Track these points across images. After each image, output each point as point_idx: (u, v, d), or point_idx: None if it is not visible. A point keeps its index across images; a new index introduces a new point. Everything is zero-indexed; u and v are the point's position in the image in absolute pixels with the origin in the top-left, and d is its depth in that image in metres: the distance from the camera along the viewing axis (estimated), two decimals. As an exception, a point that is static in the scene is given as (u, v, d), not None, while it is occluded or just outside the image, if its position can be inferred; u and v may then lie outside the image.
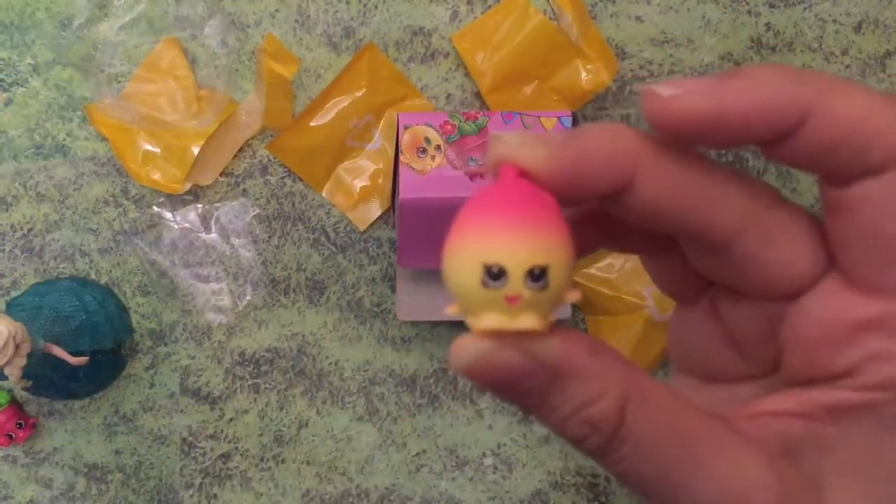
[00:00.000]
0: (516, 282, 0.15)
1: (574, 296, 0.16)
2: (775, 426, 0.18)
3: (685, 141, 0.18)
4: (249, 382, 0.55)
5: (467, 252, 0.15)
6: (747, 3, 0.54)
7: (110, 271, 0.56)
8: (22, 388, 0.48)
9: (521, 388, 0.17)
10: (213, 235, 0.56)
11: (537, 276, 0.15)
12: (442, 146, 0.44)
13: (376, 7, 0.55)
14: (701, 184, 0.18)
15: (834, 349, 0.17)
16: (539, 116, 0.44)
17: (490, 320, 0.15)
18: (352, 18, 0.55)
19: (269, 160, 0.55)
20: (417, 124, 0.45)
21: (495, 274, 0.15)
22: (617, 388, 0.17)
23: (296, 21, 0.55)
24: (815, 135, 0.16)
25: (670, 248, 0.20)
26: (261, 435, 0.55)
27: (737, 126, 0.17)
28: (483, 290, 0.15)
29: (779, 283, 0.18)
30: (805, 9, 0.54)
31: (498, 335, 0.16)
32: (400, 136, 0.45)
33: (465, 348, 0.16)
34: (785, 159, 0.17)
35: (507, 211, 0.15)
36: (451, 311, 0.16)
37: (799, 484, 0.17)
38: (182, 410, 0.55)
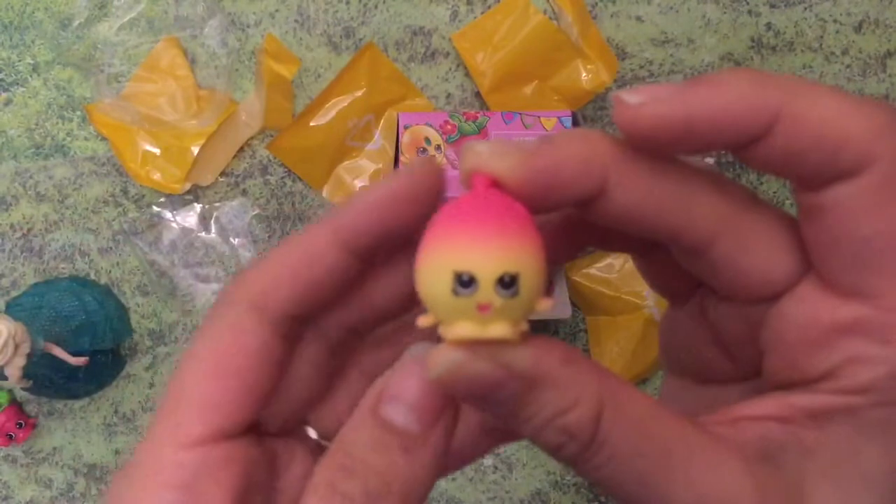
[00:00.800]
0: (487, 289, 0.15)
1: (546, 304, 0.16)
2: (755, 430, 0.17)
3: (656, 147, 0.18)
4: (249, 382, 0.55)
5: (438, 260, 0.15)
6: (747, 3, 0.54)
7: (110, 271, 0.56)
8: (22, 388, 0.48)
9: (494, 397, 0.17)
10: (213, 235, 0.55)
11: (508, 283, 0.15)
12: (442, 146, 0.44)
13: (376, 7, 0.55)
14: (674, 190, 0.18)
15: (812, 352, 0.17)
16: (539, 116, 0.44)
17: (462, 329, 0.16)
18: (352, 18, 0.55)
19: (269, 160, 0.55)
20: (417, 124, 0.45)
21: (466, 282, 0.15)
22: (592, 395, 0.17)
23: (296, 21, 0.55)
24: (783, 140, 0.16)
25: (657, 248, 0.20)
26: (261, 435, 0.55)
27: (705, 132, 0.17)
28: (454, 298, 0.15)
29: (756, 286, 0.18)
30: (805, 9, 0.54)
31: (470, 344, 0.16)
32: (400, 136, 0.44)
33: (439, 359, 0.16)
34: (757, 164, 0.17)
35: (477, 220, 0.15)
36: (421, 323, 0.16)
37: (777, 489, 0.17)
38: (182, 410, 0.55)
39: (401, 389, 0.17)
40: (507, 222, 0.16)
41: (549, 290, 0.18)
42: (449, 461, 0.18)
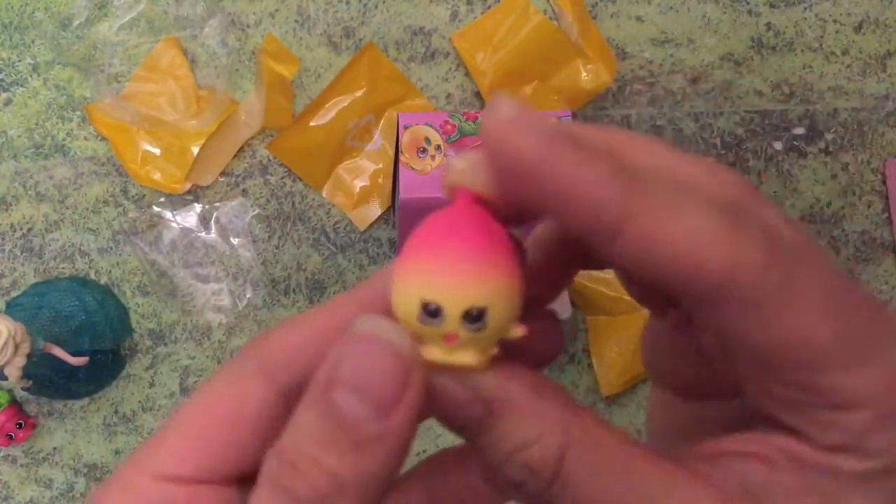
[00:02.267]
0: (453, 321, 0.15)
1: (518, 331, 0.16)
2: (738, 468, 0.17)
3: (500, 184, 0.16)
4: (249, 382, 0.55)
5: (408, 286, 0.15)
6: (748, 3, 0.54)
7: (110, 271, 0.56)
8: (22, 388, 0.48)
9: (458, 418, 0.16)
10: (213, 235, 0.55)
11: (474, 317, 0.15)
12: (442, 146, 0.44)
13: (376, 7, 0.55)
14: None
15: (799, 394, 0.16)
16: (539, 116, 0.44)
17: (429, 353, 0.15)
18: (352, 18, 0.55)
19: (269, 160, 0.55)
20: (417, 124, 0.44)
21: (432, 312, 0.15)
22: (557, 431, 0.16)
23: (296, 21, 0.55)
24: (630, 251, 0.15)
25: None
26: (261, 435, 0.55)
27: (540, 198, 0.15)
28: (422, 324, 0.15)
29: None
30: (805, 8, 0.54)
31: (439, 367, 0.16)
32: (400, 136, 0.44)
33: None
34: (615, 265, 0.16)
35: (449, 246, 0.15)
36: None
37: None
38: (182, 410, 0.55)
39: (352, 372, 0.15)
40: (480, 249, 0.15)
41: (535, 311, 0.18)
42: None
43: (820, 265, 0.15)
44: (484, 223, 0.16)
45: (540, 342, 0.19)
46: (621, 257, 0.15)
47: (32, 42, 0.56)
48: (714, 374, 0.19)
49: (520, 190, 0.15)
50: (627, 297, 0.53)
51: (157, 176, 0.55)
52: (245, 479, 0.17)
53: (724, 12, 0.54)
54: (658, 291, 0.18)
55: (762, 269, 0.14)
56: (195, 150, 0.54)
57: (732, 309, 0.15)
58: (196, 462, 0.17)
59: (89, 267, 0.56)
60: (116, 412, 0.55)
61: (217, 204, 0.56)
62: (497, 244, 0.15)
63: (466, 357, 0.15)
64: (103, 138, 0.56)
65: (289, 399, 0.17)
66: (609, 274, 0.54)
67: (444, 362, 0.15)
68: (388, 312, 0.16)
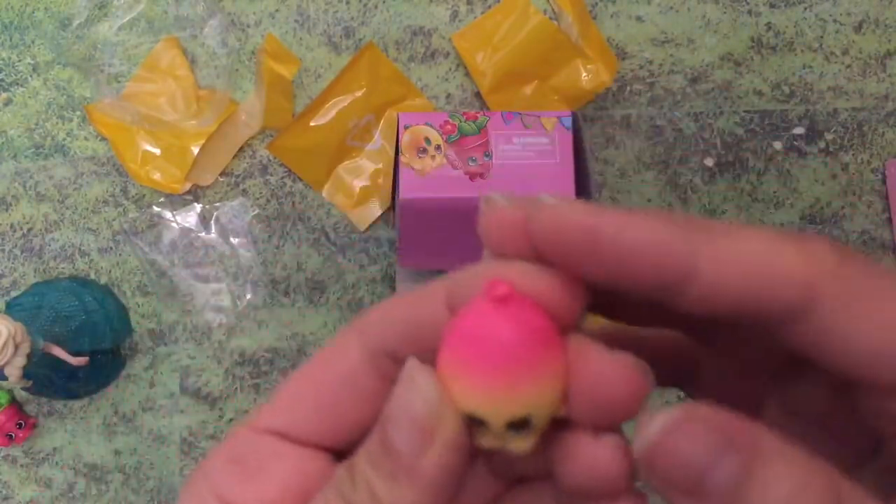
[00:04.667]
0: (497, 431, 0.15)
1: (563, 410, 0.15)
2: None
3: (564, 260, 0.15)
4: (249, 382, 0.55)
5: (450, 390, 0.15)
6: (747, 3, 0.54)
7: (110, 271, 0.56)
8: (22, 388, 0.48)
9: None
10: (213, 235, 0.55)
11: (519, 425, 0.15)
12: (442, 146, 0.44)
13: (376, 7, 0.55)
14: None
15: None
16: (539, 116, 0.44)
17: (483, 441, 0.15)
18: (352, 18, 0.55)
19: (269, 160, 0.55)
20: (417, 124, 0.44)
21: (476, 421, 0.15)
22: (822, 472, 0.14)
23: (296, 21, 0.55)
24: (709, 281, 0.14)
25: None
26: (261, 435, 0.55)
27: (614, 258, 0.15)
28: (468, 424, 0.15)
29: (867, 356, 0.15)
30: (805, 8, 0.54)
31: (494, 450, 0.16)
32: (400, 136, 0.44)
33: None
34: (694, 311, 0.15)
35: (489, 355, 0.14)
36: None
37: None
38: (182, 410, 0.55)
39: (398, 404, 0.16)
40: (520, 355, 0.15)
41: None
42: None
43: (890, 270, 0.15)
44: (526, 314, 0.15)
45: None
46: (697, 297, 0.14)
47: (32, 42, 0.56)
48: (842, 442, 0.17)
49: (581, 266, 0.15)
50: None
51: (157, 176, 0.55)
52: (343, 457, 0.18)
53: (724, 12, 0.54)
54: (734, 335, 0.18)
55: (840, 273, 0.14)
56: (195, 150, 0.54)
57: (820, 319, 0.14)
58: (299, 422, 0.18)
59: (89, 267, 0.56)
60: (116, 412, 0.56)
61: (217, 204, 0.56)
62: (541, 342, 0.15)
63: (517, 446, 0.15)
64: (103, 138, 0.56)
65: (381, 371, 0.18)
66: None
67: (498, 447, 0.15)
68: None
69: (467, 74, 0.55)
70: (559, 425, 0.15)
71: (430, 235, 0.45)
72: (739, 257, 0.14)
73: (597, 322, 0.19)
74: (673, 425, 0.14)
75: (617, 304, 0.18)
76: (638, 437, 0.14)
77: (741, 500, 0.13)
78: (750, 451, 0.13)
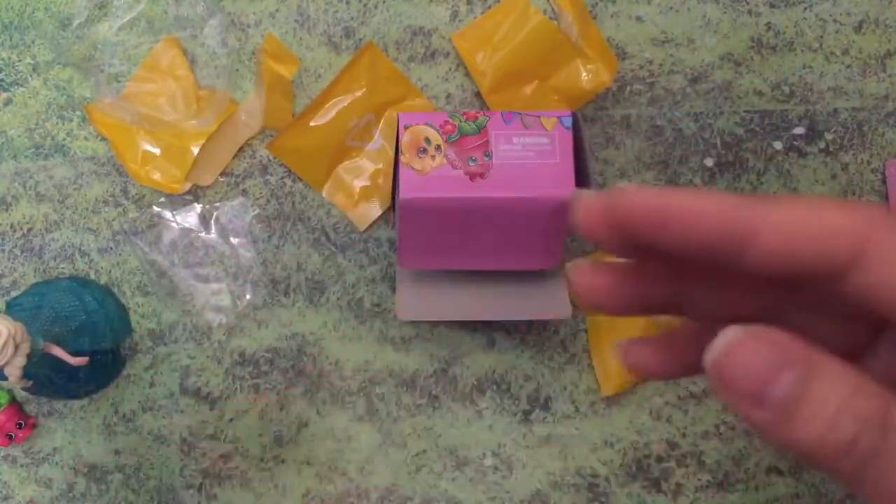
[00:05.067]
0: None
1: None
2: None
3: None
4: (249, 382, 0.55)
5: None
6: (747, 3, 0.54)
7: (110, 271, 0.56)
8: (22, 388, 0.48)
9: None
10: (213, 235, 0.55)
11: None
12: (442, 146, 0.44)
13: (376, 7, 0.55)
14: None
15: None
16: (539, 116, 0.44)
17: None
18: (352, 18, 0.55)
19: (269, 160, 0.55)
20: (417, 124, 0.44)
21: None
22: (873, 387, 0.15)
23: (296, 21, 0.55)
24: (764, 250, 0.16)
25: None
26: (260, 435, 0.55)
27: (800, 249, 0.16)
28: None
29: None
30: (805, 8, 0.54)
31: None
32: (400, 136, 0.44)
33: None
34: (842, 299, 0.16)
35: None
36: None
37: None
38: (182, 410, 0.55)
39: None
40: None
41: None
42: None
43: None
44: None
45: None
46: (758, 257, 0.16)
47: (32, 42, 0.56)
48: None
49: (656, 237, 0.18)
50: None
51: (157, 176, 0.55)
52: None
53: (724, 12, 0.54)
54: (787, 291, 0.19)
55: (887, 224, 0.15)
56: (195, 150, 0.54)
57: (871, 268, 0.15)
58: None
59: (89, 267, 0.56)
60: (116, 412, 0.55)
61: (217, 204, 0.56)
62: None
63: None
64: (103, 138, 0.56)
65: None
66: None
67: None
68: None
69: (467, 74, 0.55)
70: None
71: (430, 235, 0.45)
72: (795, 217, 0.16)
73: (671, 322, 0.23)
74: (737, 341, 0.15)
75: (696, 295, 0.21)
76: (707, 351, 0.16)
77: (799, 408, 0.15)
78: (806, 366, 0.15)
